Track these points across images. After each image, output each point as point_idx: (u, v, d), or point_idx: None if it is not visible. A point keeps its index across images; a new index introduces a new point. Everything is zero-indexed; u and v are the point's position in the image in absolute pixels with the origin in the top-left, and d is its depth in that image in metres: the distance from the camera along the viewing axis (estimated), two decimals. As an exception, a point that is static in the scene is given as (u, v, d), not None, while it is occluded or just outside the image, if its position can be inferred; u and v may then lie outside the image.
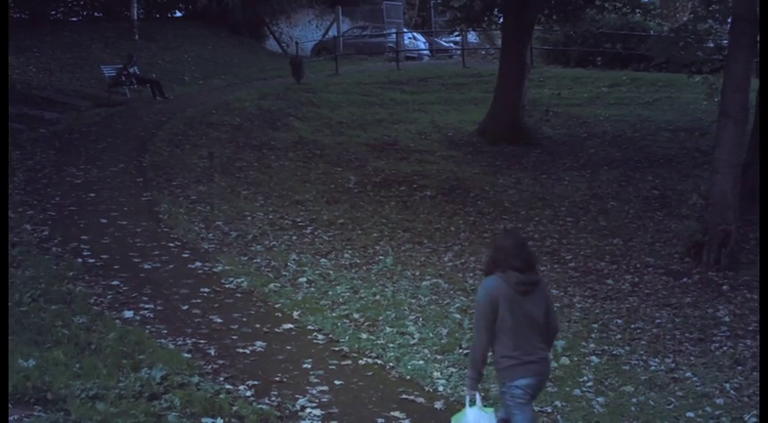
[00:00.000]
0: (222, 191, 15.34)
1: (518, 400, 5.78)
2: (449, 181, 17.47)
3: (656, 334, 10.04)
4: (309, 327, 9.28)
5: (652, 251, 13.67)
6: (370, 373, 8.05)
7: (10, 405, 6.06)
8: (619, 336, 9.91)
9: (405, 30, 39.60)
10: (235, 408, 6.75)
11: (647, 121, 22.86)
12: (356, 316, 9.75)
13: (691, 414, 7.60)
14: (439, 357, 8.61)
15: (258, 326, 9.15)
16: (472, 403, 5.84)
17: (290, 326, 9.26)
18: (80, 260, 10.99)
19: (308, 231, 13.60)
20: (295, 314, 9.64)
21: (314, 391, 7.45)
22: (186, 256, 11.61)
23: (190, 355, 8.09)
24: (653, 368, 8.92)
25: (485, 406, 5.97)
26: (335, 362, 8.29)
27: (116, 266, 10.89)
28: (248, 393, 7.25)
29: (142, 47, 30.48)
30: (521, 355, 5.74)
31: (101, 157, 17.05)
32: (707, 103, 20.41)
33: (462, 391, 7.66)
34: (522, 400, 5.78)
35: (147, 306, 9.53)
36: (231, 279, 10.70)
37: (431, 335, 9.27)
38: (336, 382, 7.74)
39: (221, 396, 6.94)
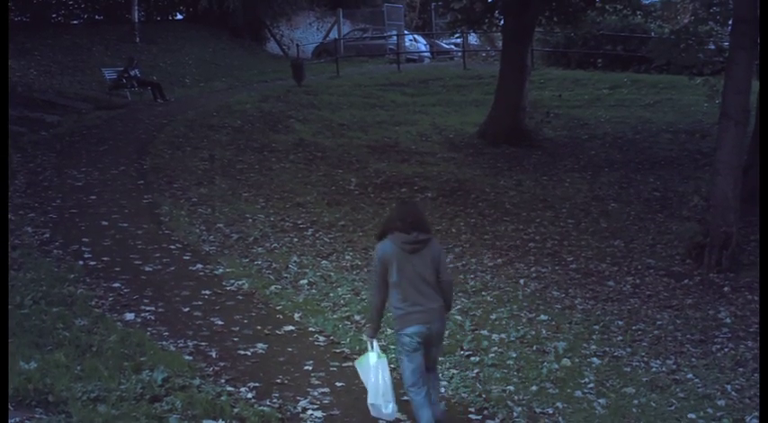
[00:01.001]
0: (223, 193, 15.34)
1: (405, 348, 6.56)
2: (450, 183, 17.47)
3: (658, 335, 10.03)
4: (311, 328, 9.28)
5: (653, 253, 13.67)
6: (372, 375, 8.04)
7: (11, 407, 6.07)
8: (620, 337, 9.90)
9: (405, 32, 39.62)
10: (236, 410, 6.76)
11: (648, 122, 22.86)
12: (357, 317, 9.74)
13: (692, 415, 7.60)
14: (440, 359, 8.59)
15: (259, 328, 9.16)
16: (371, 348, 6.77)
17: (292, 328, 9.27)
18: (81, 262, 11.00)
19: (309, 233, 13.60)
20: (296, 316, 9.64)
21: (315, 393, 7.46)
22: (187, 258, 11.62)
23: (191, 358, 8.10)
24: (654, 370, 8.91)
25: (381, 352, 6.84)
26: (337, 363, 8.29)
27: (117, 269, 10.90)
28: (249, 395, 7.25)
29: (143, 49, 30.51)
30: (408, 306, 6.52)
31: (102, 159, 17.06)
32: (708, 105, 20.44)
33: (463, 392, 7.68)
34: (410, 347, 6.55)
35: (148, 308, 9.53)
36: (232, 281, 10.71)
37: (432, 336, 9.26)
38: (338, 384, 7.74)
39: (222, 398, 6.94)
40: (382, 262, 6.58)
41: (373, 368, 6.71)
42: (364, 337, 7.03)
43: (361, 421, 6.94)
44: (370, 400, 6.73)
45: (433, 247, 6.68)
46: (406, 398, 6.82)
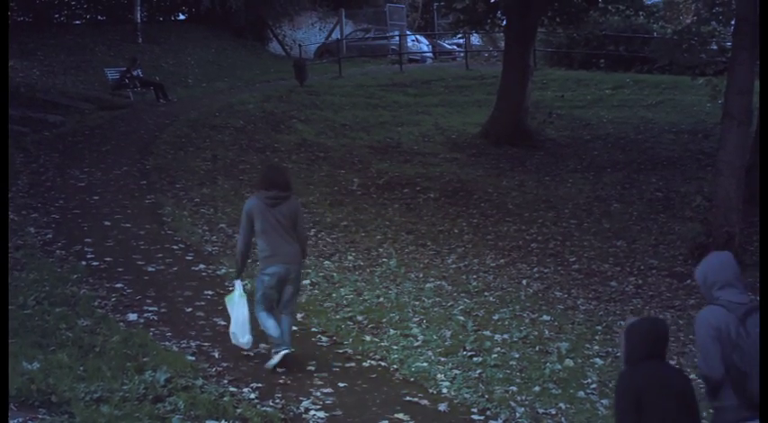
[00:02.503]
0: (226, 193, 15.35)
1: (265, 285, 8.01)
2: (452, 183, 17.47)
3: (660, 336, 10.02)
4: (313, 329, 9.29)
5: (656, 253, 13.67)
6: (374, 376, 8.06)
7: (14, 407, 6.07)
8: (623, 338, 9.89)
9: (408, 32, 39.59)
10: (239, 410, 6.76)
11: (651, 123, 22.85)
12: (360, 318, 9.75)
13: (695, 416, 7.59)
14: (443, 359, 8.60)
15: (261, 328, 9.15)
16: (237, 288, 8.19)
17: (294, 328, 9.25)
18: (84, 263, 11.00)
19: (311, 234, 13.59)
20: (299, 316, 9.63)
21: (318, 394, 7.46)
22: (190, 258, 11.62)
23: (194, 358, 8.10)
24: (657, 370, 8.91)
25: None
26: (339, 364, 8.30)
27: (120, 269, 10.90)
28: (252, 396, 7.25)
29: (145, 50, 30.52)
30: (269, 250, 7.97)
31: (104, 159, 17.07)
32: (710, 105, 20.43)
33: (466, 393, 7.69)
34: (268, 285, 8.01)
35: (150, 309, 9.54)
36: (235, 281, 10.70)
37: (434, 337, 9.27)
38: (340, 385, 7.74)
39: (225, 398, 6.95)
40: (248, 215, 8.03)
41: (237, 304, 8.12)
42: (233, 279, 8.52)
43: (363, 421, 6.94)
44: (231, 329, 8.17)
45: (292, 203, 8.15)
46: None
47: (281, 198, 8.02)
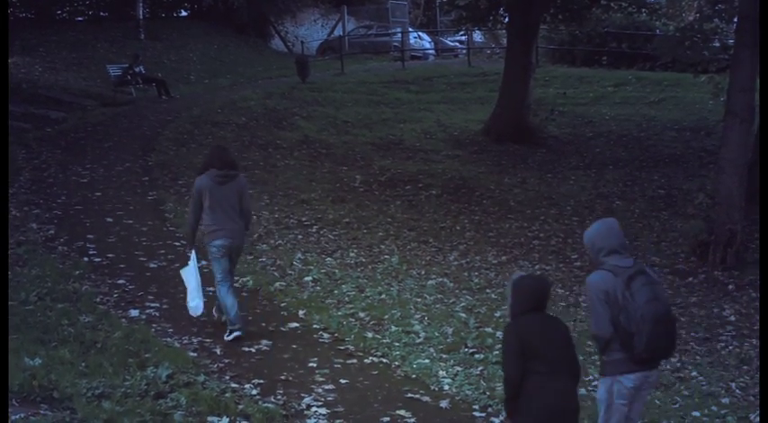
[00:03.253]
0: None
1: (214, 255, 8.74)
2: (454, 180, 17.47)
3: (662, 333, 10.02)
4: (315, 325, 9.28)
5: (658, 250, 13.67)
6: (376, 372, 8.06)
7: (16, 403, 6.08)
8: (624, 335, 9.89)
9: (410, 29, 39.57)
10: (240, 406, 6.76)
11: (653, 120, 22.83)
12: (362, 315, 9.75)
13: (696, 413, 7.60)
14: (444, 356, 8.61)
15: (264, 325, 9.18)
16: (190, 258, 8.91)
17: (296, 325, 9.28)
18: (86, 259, 11.02)
19: (313, 230, 13.60)
20: (300, 313, 9.65)
21: (319, 390, 7.46)
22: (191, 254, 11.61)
23: (195, 354, 8.12)
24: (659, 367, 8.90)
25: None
26: (341, 360, 8.30)
27: (122, 265, 10.92)
28: (254, 392, 7.26)
29: (147, 46, 30.50)
30: (215, 224, 8.63)
31: (106, 156, 17.07)
32: (713, 103, 20.42)
33: (467, 389, 7.69)
34: (217, 255, 8.72)
35: (152, 305, 9.55)
36: (237, 278, 10.67)
37: (436, 334, 9.27)
38: (342, 381, 7.74)
39: (227, 395, 6.95)
40: (198, 191, 8.69)
41: (190, 274, 8.91)
42: (186, 250, 9.22)
43: (365, 418, 6.94)
44: (188, 298, 8.90)
45: (239, 181, 8.85)
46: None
47: (230, 176, 8.74)
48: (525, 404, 5.33)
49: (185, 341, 8.51)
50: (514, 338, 5.36)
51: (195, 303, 8.83)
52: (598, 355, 5.71)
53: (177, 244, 12.02)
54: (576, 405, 5.47)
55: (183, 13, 39.01)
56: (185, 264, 9.09)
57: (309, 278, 11.04)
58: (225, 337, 8.61)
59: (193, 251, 8.98)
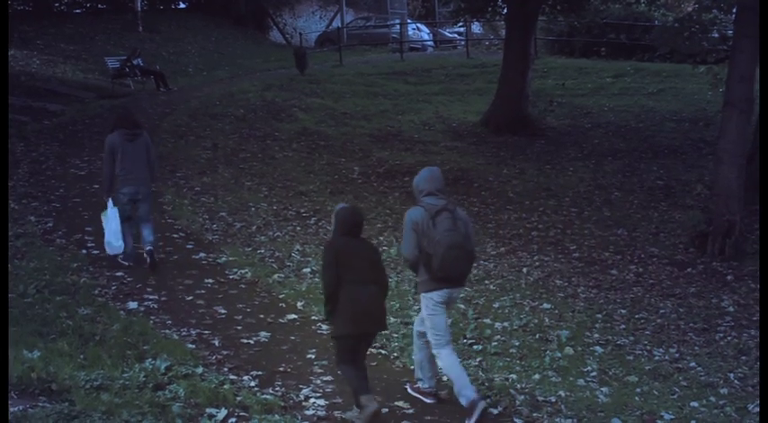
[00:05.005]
0: (226, 182, 15.35)
1: (120, 203, 10.35)
2: (453, 172, 17.45)
3: (661, 324, 10.04)
4: (313, 317, 9.29)
5: (656, 241, 13.67)
6: (375, 364, 8.05)
7: (15, 396, 6.08)
8: (623, 326, 9.91)
9: (409, 20, 39.53)
10: (239, 398, 6.76)
11: (652, 111, 22.82)
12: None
13: (695, 404, 7.61)
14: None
15: (262, 316, 9.18)
16: (108, 204, 10.37)
17: (294, 316, 9.28)
18: (84, 251, 11.02)
19: (311, 222, 13.60)
20: (299, 304, 9.65)
21: (318, 381, 7.47)
22: (190, 246, 11.64)
23: (194, 346, 8.12)
24: (657, 358, 8.93)
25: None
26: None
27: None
28: (252, 383, 7.26)
29: (146, 38, 30.48)
30: (125, 174, 10.30)
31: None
32: (711, 94, 20.40)
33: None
34: (122, 202, 10.35)
35: (151, 297, 9.55)
36: (235, 270, 10.72)
37: (435, 325, 9.25)
38: (340, 372, 7.74)
39: (225, 386, 6.94)
40: (111, 147, 10.29)
41: (109, 218, 10.24)
42: (104, 198, 10.57)
43: (363, 409, 6.95)
44: (106, 239, 10.27)
45: (145, 138, 10.57)
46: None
47: (137, 134, 10.45)
48: (340, 308, 6.62)
49: (184, 333, 8.51)
50: (331, 254, 6.69)
51: (119, 244, 10.29)
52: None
53: (176, 236, 12.03)
54: (380, 309, 6.81)
55: (182, 5, 39.01)
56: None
57: (308, 269, 11.04)
58: (146, 267, 10.40)
59: (110, 199, 10.39)
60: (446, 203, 6.93)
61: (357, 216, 7.04)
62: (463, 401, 6.74)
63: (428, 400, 7.21)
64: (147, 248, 10.45)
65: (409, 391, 7.36)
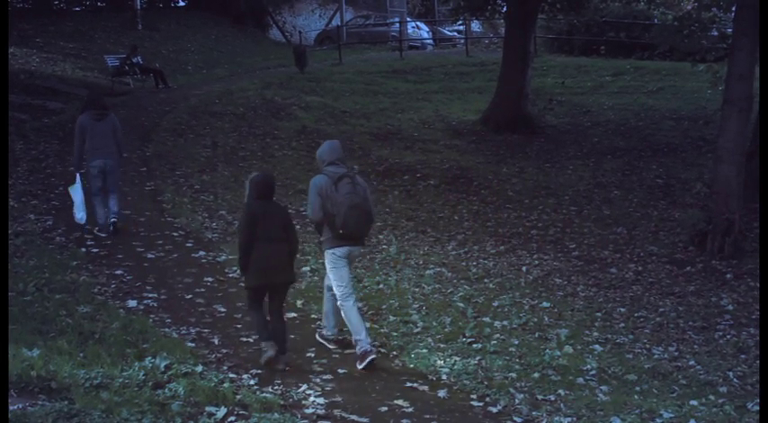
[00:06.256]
0: (226, 180, 15.35)
1: (90, 175, 11.57)
2: (452, 170, 17.46)
3: (660, 322, 10.04)
4: (313, 316, 9.30)
5: (656, 240, 13.67)
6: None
7: (15, 394, 6.08)
8: (622, 324, 9.92)
9: (408, 19, 39.50)
10: (238, 396, 6.77)
11: (651, 109, 22.81)
12: (360, 304, 9.72)
13: (694, 402, 7.60)
14: (442, 346, 8.62)
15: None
16: (77, 178, 11.64)
17: (294, 314, 9.29)
18: (84, 250, 11.03)
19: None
20: (298, 303, 9.66)
21: (317, 380, 7.47)
22: (190, 245, 11.63)
23: (194, 344, 8.13)
24: (656, 356, 8.93)
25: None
26: (339, 350, 8.31)
27: (120, 256, 10.92)
28: (252, 382, 7.26)
29: (145, 36, 30.45)
30: (92, 149, 11.51)
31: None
32: (711, 92, 20.37)
33: (465, 379, 7.69)
34: (93, 174, 11.58)
35: (150, 295, 9.56)
36: (235, 268, 10.69)
37: (434, 323, 9.28)
38: (340, 371, 7.75)
39: (225, 385, 6.95)
40: (81, 127, 11.55)
41: (76, 191, 11.51)
42: (74, 171, 11.84)
43: (363, 408, 6.95)
44: (74, 210, 11.50)
45: (112, 118, 11.78)
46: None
47: (104, 114, 11.67)
48: (252, 263, 7.60)
49: (183, 331, 8.52)
50: (247, 214, 7.70)
51: (81, 215, 11.50)
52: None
53: (176, 234, 12.03)
54: (287, 263, 7.77)
55: (181, 3, 38.99)
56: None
57: (307, 268, 11.05)
58: (106, 233, 11.61)
59: (78, 174, 11.69)
60: (347, 171, 7.96)
61: (269, 180, 7.97)
62: (358, 349, 7.87)
63: (330, 346, 8.34)
64: (112, 219, 11.67)
65: (317, 337, 8.51)
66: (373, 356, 7.81)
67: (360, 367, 7.75)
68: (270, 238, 7.58)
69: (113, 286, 9.78)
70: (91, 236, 11.62)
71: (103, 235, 11.59)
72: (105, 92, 22.67)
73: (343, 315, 8.05)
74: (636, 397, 7.71)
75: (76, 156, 11.78)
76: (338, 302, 8.02)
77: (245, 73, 27.86)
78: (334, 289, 8.05)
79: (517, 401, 7.26)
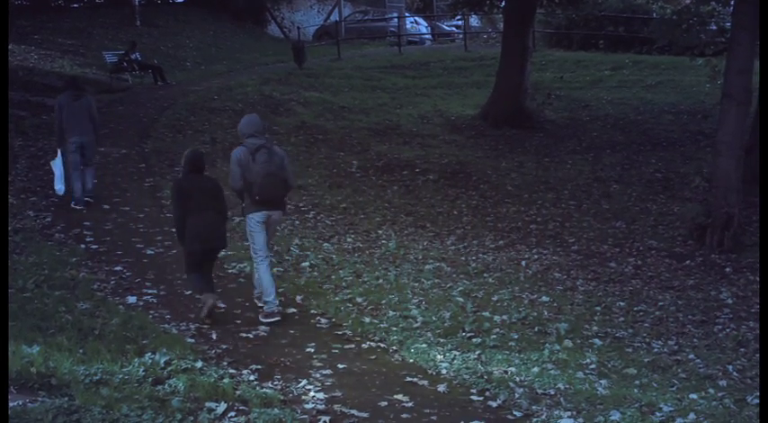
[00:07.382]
0: (224, 176, 15.29)
1: (70, 149, 12.58)
2: (451, 165, 17.46)
3: (659, 316, 10.04)
4: (312, 311, 9.30)
5: (655, 234, 13.67)
6: (374, 357, 8.07)
7: (14, 390, 6.09)
8: (622, 318, 9.91)
9: (407, 14, 39.48)
10: (238, 392, 6.78)
11: (650, 103, 22.81)
12: (359, 300, 9.76)
13: (694, 396, 7.60)
14: (442, 340, 8.62)
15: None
16: (58, 153, 12.73)
17: (294, 310, 9.29)
18: (83, 246, 11.02)
19: (310, 216, 13.61)
20: (298, 298, 9.66)
21: (317, 375, 7.47)
22: (189, 241, 11.61)
23: (193, 340, 8.13)
24: (656, 350, 8.93)
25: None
26: (339, 345, 8.31)
27: (119, 252, 10.93)
28: (252, 377, 7.27)
29: (144, 33, 30.43)
30: (70, 127, 12.62)
31: (103, 143, 16.81)
32: (710, 86, 20.34)
33: (465, 374, 7.70)
34: (70, 150, 12.58)
35: (150, 291, 9.57)
36: (234, 264, 10.73)
37: (434, 318, 9.28)
38: (340, 366, 7.76)
39: (225, 380, 6.96)
40: (60, 106, 12.66)
41: (56, 165, 12.61)
42: (57, 147, 12.93)
43: (363, 402, 6.96)
44: (55, 182, 12.62)
45: (88, 99, 12.99)
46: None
47: (80, 95, 12.84)
48: (187, 232, 8.56)
49: (183, 327, 8.53)
50: (177, 188, 8.70)
51: (60, 187, 12.58)
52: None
53: (174, 231, 11.99)
54: (219, 230, 8.76)
55: (179, 0, 38.91)
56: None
57: (307, 263, 11.05)
58: (76, 205, 12.67)
59: (59, 150, 12.68)
60: (264, 142, 8.74)
61: (198, 155, 8.94)
62: (266, 308, 8.78)
63: (259, 304, 9.03)
64: (86, 198, 12.84)
65: (254, 299, 9.24)
66: (278, 318, 8.77)
67: (265, 322, 8.71)
68: (202, 207, 8.52)
69: (113, 282, 9.79)
70: (78, 208, 12.73)
71: (78, 208, 12.67)
72: (104, 88, 22.75)
73: (255, 275, 9.07)
74: (635, 391, 7.70)
75: (57, 132, 12.94)
76: (254, 264, 8.97)
77: (243, 69, 27.85)
78: (251, 251, 9.00)
79: (517, 396, 7.26)
